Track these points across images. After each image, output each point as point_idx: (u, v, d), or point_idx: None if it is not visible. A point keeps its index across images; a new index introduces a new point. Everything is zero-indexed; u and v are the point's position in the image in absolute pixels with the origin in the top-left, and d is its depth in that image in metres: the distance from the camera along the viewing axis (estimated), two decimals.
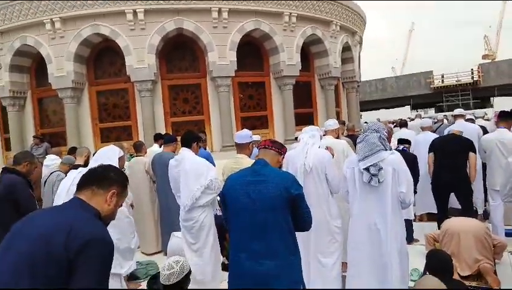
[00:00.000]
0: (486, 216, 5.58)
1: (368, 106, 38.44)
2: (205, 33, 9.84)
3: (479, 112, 8.89)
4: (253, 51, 11.27)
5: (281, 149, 2.40)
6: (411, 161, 4.79)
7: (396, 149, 4.49)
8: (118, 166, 3.51)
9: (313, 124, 9.31)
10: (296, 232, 2.27)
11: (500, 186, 4.62)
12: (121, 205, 1.78)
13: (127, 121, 10.15)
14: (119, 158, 3.52)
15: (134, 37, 9.38)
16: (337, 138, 4.53)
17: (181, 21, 9.62)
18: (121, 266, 3.34)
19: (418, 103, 38.71)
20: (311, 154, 3.43)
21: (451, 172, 4.76)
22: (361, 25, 15.07)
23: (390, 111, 39.52)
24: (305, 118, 11.75)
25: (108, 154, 3.08)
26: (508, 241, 4.06)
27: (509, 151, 4.34)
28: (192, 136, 3.93)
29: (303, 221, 2.26)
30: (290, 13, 10.95)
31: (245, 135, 3.49)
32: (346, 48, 13.72)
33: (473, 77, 35.34)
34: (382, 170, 3.00)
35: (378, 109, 40.44)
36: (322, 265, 3.40)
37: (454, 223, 4.01)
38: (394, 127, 12.06)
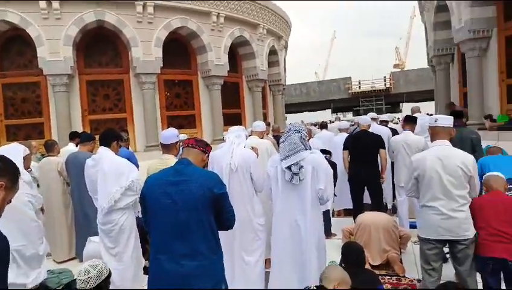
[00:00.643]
0: (394, 210, 6.13)
1: (292, 108, 40.02)
2: (128, 27, 9.39)
3: (390, 115, 9.81)
4: (180, 48, 11.05)
5: (205, 148, 2.37)
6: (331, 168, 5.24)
7: None
8: (23, 166, 3.18)
9: (241, 125, 9.41)
10: (219, 231, 2.27)
11: (404, 183, 5.11)
12: (10, 201, 1.60)
13: (38, 118, 9.24)
14: (24, 158, 3.18)
15: (48, 27, 8.58)
16: (262, 138, 4.64)
17: (102, 13, 9.04)
18: (26, 276, 3.01)
19: (338, 106, 41.29)
20: (237, 154, 3.45)
21: (365, 169, 5.16)
22: (287, 30, 15.64)
23: (314, 114, 41.64)
24: (233, 118, 11.83)
25: (11, 153, 2.74)
26: (412, 232, 4.48)
27: (413, 151, 4.82)
28: (111, 134, 3.71)
29: (226, 220, 2.26)
30: (218, 13, 10.94)
31: (171, 135, 3.38)
32: (272, 52, 14.13)
33: (385, 84, 38.75)
34: (303, 169, 3.13)
35: (303, 111, 42.34)
36: (245, 263, 3.44)
37: (366, 217, 4.35)
38: (317, 128, 12.68)
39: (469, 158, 2.81)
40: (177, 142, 3.49)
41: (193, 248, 2.11)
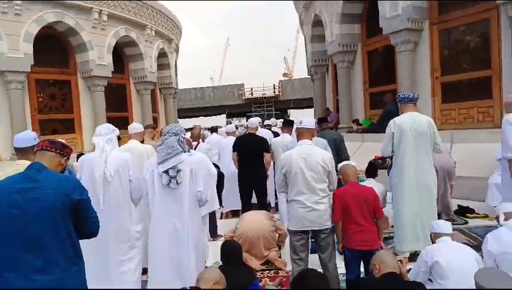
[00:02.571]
0: (277, 208, 6.53)
1: (187, 113, 39.66)
2: None
3: (273, 120, 10.51)
4: (56, 46, 10.03)
5: (63, 150, 2.17)
6: (219, 177, 5.34)
7: None
8: None
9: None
10: (93, 240, 2.11)
11: (275, 180, 5.49)
12: None
13: None
14: None
15: None
16: (142, 141, 4.49)
17: None
18: None
19: (233, 112, 42.37)
20: (111, 161, 3.25)
21: (251, 170, 5.41)
22: (178, 33, 15.46)
23: (209, 119, 41.88)
24: (119, 122, 11.11)
25: None
26: None
27: None
28: None
29: (88, 228, 2.11)
30: (100, 10, 10.26)
31: (26, 137, 2.97)
32: (162, 54, 13.81)
33: (275, 91, 41.18)
34: (180, 172, 3.11)
35: (198, 116, 42.24)
36: (121, 272, 3.27)
37: (246, 227, 4.35)
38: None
39: (327, 156, 3.17)
40: (34, 146, 3.11)
41: (48, 261, 1.92)
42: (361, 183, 4.99)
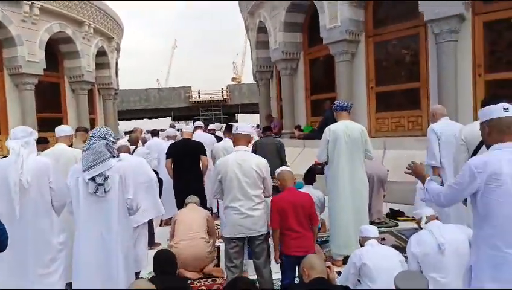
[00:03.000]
0: (219, 215, 6.45)
1: (131, 114, 38.20)
2: None
3: (217, 125, 10.42)
4: None
5: None
6: (160, 184, 5.15)
7: None
8: None
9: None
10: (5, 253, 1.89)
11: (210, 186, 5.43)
12: None
13: None
14: None
15: None
16: (70, 145, 4.20)
17: None
18: None
19: (179, 115, 41.55)
20: (29, 166, 2.97)
21: (187, 175, 5.27)
22: (119, 32, 14.84)
23: (153, 121, 40.68)
24: (52, 123, 10.32)
25: None
26: None
27: None
28: None
29: None
30: (32, 3, 9.52)
31: None
32: (102, 53, 13.17)
33: (223, 95, 41.09)
34: (109, 179, 2.93)
35: (142, 118, 40.87)
36: (43, 285, 3.01)
37: (182, 245, 4.09)
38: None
39: (262, 162, 3.17)
40: None
41: None
42: (300, 188, 5.13)
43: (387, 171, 5.89)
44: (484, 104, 3.26)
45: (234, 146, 3.30)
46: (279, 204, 3.17)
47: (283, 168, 3.49)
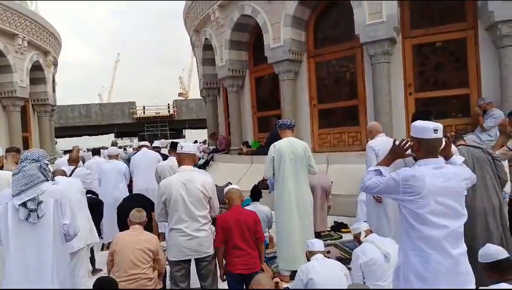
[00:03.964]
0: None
1: (70, 131, 36.13)
2: None
3: (163, 142, 10.19)
4: None
5: None
6: (98, 205, 5.27)
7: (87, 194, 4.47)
8: None
9: None
10: None
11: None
12: None
13: None
14: None
15: None
16: (1, 167, 3.87)
17: None
18: None
19: (122, 131, 40.02)
20: None
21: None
22: (56, 45, 14.09)
23: (95, 138, 38.77)
24: None
25: None
26: None
27: None
28: None
29: None
30: None
31: None
32: (37, 67, 12.39)
33: (169, 111, 40.33)
34: (42, 204, 2.73)
35: (82, 135, 38.78)
36: None
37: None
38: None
39: (208, 181, 3.15)
40: None
41: None
42: (248, 205, 5.15)
43: (332, 182, 6.13)
44: (414, 118, 3.55)
45: (179, 166, 3.25)
46: (224, 223, 3.16)
47: (230, 186, 3.50)
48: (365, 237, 3.20)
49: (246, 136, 9.97)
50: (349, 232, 5.99)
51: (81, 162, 7.53)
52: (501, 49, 6.10)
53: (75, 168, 5.99)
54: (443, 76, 7.05)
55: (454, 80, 6.93)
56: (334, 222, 6.31)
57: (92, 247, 4.99)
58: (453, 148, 3.07)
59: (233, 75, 9.68)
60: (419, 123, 2.12)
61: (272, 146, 4.27)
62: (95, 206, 5.10)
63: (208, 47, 11.05)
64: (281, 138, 4.41)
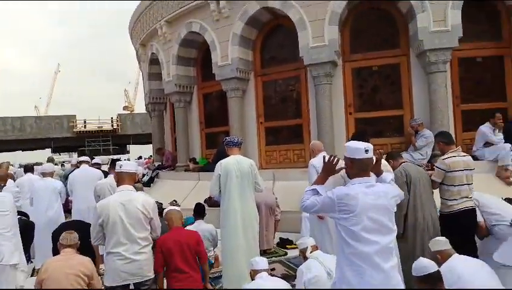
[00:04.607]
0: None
1: (1, 146, 33.22)
2: None
3: (103, 158, 9.72)
4: None
5: None
6: (28, 227, 4.98)
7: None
8: None
9: None
10: None
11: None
12: None
13: None
14: None
15: None
16: None
17: None
18: None
19: (61, 145, 37.62)
20: None
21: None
22: None
23: (30, 153, 35.99)
24: None
25: None
26: None
27: None
28: None
29: None
30: None
31: None
32: None
33: (112, 125, 38.67)
34: None
35: (15, 150, 35.82)
36: None
37: None
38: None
39: (149, 201, 3.05)
40: None
41: None
42: (191, 223, 5.04)
43: (276, 198, 6.22)
44: (353, 138, 3.75)
45: (117, 185, 3.11)
46: (164, 245, 3.07)
47: (170, 207, 3.42)
48: (311, 252, 3.26)
49: (193, 152, 9.83)
50: (295, 248, 6.09)
51: (10, 180, 6.93)
52: (430, 74, 6.69)
53: (3, 187, 5.48)
54: (380, 97, 7.55)
55: (389, 102, 7.44)
56: (280, 238, 6.37)
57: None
58: (386, 166, 3.29)
59: (180, 90, 9.57)
60: (351, 144, 2.25)
61: (218, 164, 4.25)
62: (25, 228, 4.70)
63: (154, 61, 10.86)
64: (228, 155, 4.40)
